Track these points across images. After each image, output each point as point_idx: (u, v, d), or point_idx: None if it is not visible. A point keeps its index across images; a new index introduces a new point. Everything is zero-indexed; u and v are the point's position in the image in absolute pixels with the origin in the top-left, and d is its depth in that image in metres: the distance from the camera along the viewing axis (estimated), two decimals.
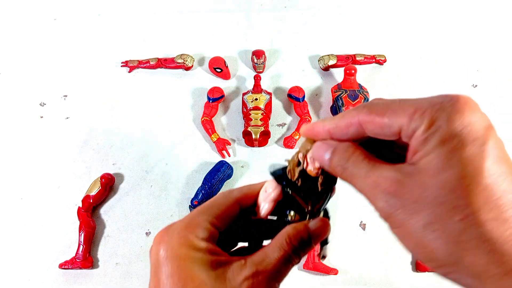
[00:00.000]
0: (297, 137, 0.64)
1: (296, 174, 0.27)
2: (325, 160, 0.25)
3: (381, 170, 0.22)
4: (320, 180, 0.26)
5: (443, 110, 0.20)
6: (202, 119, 0.66)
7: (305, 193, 0.27)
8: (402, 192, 0.21)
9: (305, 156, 0.26)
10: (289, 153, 0.64)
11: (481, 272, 0.19)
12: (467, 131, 0.20)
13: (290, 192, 0.27)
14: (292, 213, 0.27)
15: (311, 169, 0.26)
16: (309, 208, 0.27)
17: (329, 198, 0.28)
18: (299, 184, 0.27)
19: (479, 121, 0.20)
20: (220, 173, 0.59)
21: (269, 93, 0.67)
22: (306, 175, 0.27)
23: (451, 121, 0.20)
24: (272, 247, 0.26)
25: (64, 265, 0.55)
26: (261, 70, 0.71)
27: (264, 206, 0.28)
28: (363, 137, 0.25)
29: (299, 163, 0.27)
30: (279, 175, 0.28)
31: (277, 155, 0.65)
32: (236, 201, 0.28)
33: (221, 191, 0.27)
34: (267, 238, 0.28)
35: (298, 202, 0.27)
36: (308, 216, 0.27)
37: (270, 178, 0.28)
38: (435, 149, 0.20)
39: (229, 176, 0.61)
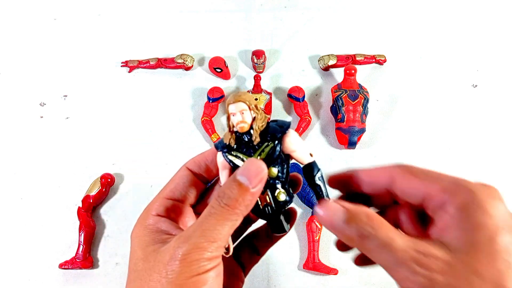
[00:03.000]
0: None
1: (229, 138, 0.28)
2: (336, 225, 0.24)
3: (417, 244, 0.22)
4: (254, 133, 0.27)
5: (476, 194, 0.22)
6: (202, 119, 0.66)
7: (245, 148, 0.28)
8: (441, 269, 0.21)
9: (228, 118, 0.28)
10: None
11: None
12: (499, 218, 0.22)
13: (227, 156, 0.28)
14: None
15: (239, 127, 0.27)
16: None
17: (279, 146, 0.27)
18: (233, 145, 0.28)
19: (508, 212, 0.22)
20: None
21: (269, 93, 0.67)
22: (240, 136, 0.28)
23: (485, 207, 0.22)
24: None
25: (64, 265, 0.55)
26: (261, 70, 0.71)
27: (221, 175, 0.29)
28: (382, 194, 0.26)
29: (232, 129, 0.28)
30: (218, 144, 0.29)
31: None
32: (185, 168, 0.30)
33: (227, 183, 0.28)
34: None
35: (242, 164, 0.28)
36: None
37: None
38: (471, 231, 0.22)
39: None
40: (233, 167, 0.28)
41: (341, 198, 0.30)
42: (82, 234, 0.56)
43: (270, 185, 0.27)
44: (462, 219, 0.22)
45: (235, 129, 0.28)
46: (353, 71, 0.66)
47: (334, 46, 0.75)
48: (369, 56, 0.71)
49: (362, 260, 0.30)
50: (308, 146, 0.28)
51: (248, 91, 0.67)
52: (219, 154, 0.28)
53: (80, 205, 0.58)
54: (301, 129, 0.65)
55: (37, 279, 0.56)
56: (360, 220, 0.23)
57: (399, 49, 0.74)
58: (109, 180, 0.60)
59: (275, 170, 0.27)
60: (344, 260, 0.57)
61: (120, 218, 0.60)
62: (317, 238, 0.56)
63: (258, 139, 0.27)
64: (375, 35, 0.76)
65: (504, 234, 0.21)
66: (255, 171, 0.25)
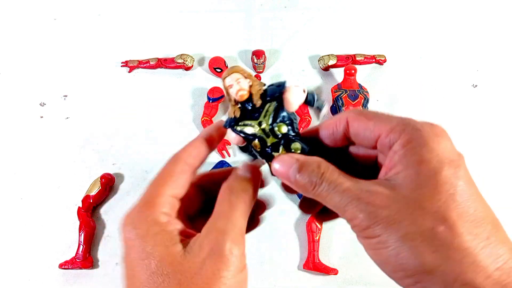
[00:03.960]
0: None
1: (233, 111, 0.28)
2: (290, 175, 0.26)
3: (362, 185, 0.23)
4: (254, 97, 0.28)
5: (422, 131, 0.23)
6: (202, 119, 0.66)
7: (250, 116, 0.28)
8: (384, 204, 0.22)
9: (227, 92, 0.28)
10: None
11: (454, 280, 0.20)
12: (443, 154, 0.22)
13: (236, 128, 0.28)
14: (255, 142, 0.28)
15: (238, 95, 0.28)
16: (263, 125, 0.28)
17: (281, 104, 0.28)
18: (238, 116, 0.28)
19: (452, 148, 0.23)
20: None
21: None
22: (243, 106, 0.28)
23: (430, 143, 0.22)
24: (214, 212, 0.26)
25: (64, 265, 0.55)
26: (261, 70, 0.71)
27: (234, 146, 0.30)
28: (342, 142, 0.27)
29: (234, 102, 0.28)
30: (225, 123, 0.29)
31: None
32: (184, 163, 0.29)
33: (235, 175, 0.28)
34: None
35: (252, 130, 0.28)
36: (268, 136, 0.28)
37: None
38: (414, 166, 0.22)
39: None
40: (245, 137, 0.28)
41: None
42: (82, 234, 0.56)
43: (284, 139, 0.28)
44: (406, 156, 0.23)
45: (236, 100, 0.29)
46: (353, 71, 0.66)
47: (334, 46, 0.74)
48: (369, 56, 0.71)
49: (306, 206, 0.31)
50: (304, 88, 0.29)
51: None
52: (229, 131, 0.29)
53: (80, 205, 0.58)
54: (301, 129, 0.65)
55: (37, 279, 0.56)
56: (311, 169, 0.25)
57: (399, 49, 0.74)
58: (109, 180, 0.60)
59: (284, 128, 0.28)
60: (344, 260, 0.57)
61: (120, 218, 0.60)
62: (317, 238, 0.56)
63: (259, 101, 0.28)
64: (375, 35, 0.76)
65: (447, 168, 0.22)
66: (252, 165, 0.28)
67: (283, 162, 0.26)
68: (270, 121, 0.28)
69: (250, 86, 0.28)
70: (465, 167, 0.23)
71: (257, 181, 0.28)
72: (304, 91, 0.29)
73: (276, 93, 0.28)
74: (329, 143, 0.28)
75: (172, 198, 0.27)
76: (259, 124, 0.28)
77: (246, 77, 0.28)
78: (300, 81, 0.67)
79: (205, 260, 0.23)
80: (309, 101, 0.30)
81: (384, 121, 0.24)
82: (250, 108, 0.28)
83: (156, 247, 0.24)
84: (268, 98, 0.28)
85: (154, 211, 0.26)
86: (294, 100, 0.28)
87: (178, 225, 0.26)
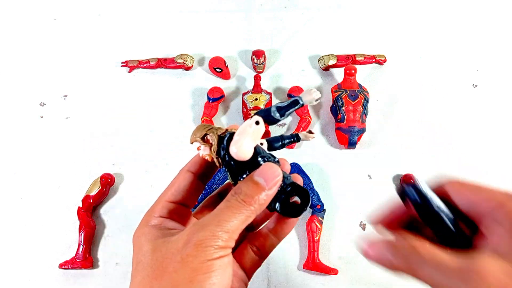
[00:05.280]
0: None
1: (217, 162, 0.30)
2: (387, 260, 0.26)
3: (472, 261, 0.23)
4: (214, 161, 0.29)
5: None
6: (202, 119, 0.66)
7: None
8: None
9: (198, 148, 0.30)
10: (289, 153, 0.64)
11: None
12: None
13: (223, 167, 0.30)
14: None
15: (207, 158, 0.29)
16: (232, 183, 0.30)
17: (233, 161, 0.28)
18: (220, 166, 0.30)
19: None
20: (220, 173, 0.59)
21: (269, 93, 0.67)
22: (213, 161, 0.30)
23: None
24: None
25: (64, 265, 0.55)
26: (261, 70, 0.71)
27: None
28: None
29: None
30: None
31: (276, 155, 0.65)
32: (186, 171, 0.32)
33: (238, 183, 0.29)
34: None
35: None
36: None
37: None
38: None
39: None
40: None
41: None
42: (82, 234, 0.56)
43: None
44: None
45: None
46: (353, 71, 0.66)
47: (334, 46, 0.75)
48: (369, 56, 0.71)
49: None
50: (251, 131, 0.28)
51: (248, 91, 0.67)
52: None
53: (80, 205, 0.59)
54: (301, 129, 0.65)
55: (37, 279, 0.56)
56: (405, 252, 0.25)
57: (399, 49, 0.74)
58: (109, 180, 0.60)
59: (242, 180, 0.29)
60: (344, 260, 0.57)
61: (120, 218, 0.60)
62: (317, 238, 0.56)
63: (218, 163, 0.29)
64: (375, 35, 0.76)
65: None
66: (271, 174, 0.27)
67: (374, 248, 0.27)
68: (233, 182, 0.29)
69: (211, 146, 0.29)
70: None
71: (271, 190, 0.27)
72: (257, 123, 0.28)
73: (222, 154, 0.28)
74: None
75: (168, 202, 0.31)
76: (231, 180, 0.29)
77: (205, 141, 0.29)
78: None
79: (180, 249, 0.25)
80: (270, 120, 0.30)
81: (483, 191, 0.25)
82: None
83: (146, 242, 0.28)
84: (222, 154, 0.29)
85: (150, 217, 0.30)
86: (236, 150, 0.27)
87: (169, 224, 0.30)
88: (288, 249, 0.58)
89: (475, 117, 0.67)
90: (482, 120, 0.67)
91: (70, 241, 0.58)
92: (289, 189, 0.29)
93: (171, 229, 0.29)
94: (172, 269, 0.25)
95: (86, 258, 0.56)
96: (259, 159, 0.28)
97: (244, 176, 0.28)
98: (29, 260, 0.57)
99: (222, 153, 0.28)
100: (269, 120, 0.30)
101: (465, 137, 0.66)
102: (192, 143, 0.30)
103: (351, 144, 0.63)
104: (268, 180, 0.27)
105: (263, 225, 0.35)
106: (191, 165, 0.32)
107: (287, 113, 0.30)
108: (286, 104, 0.30)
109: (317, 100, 0.32)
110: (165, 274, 0.25)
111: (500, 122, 0.67)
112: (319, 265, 0.55)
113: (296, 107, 0.30)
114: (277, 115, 0.30)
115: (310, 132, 0.35)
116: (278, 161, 0.30)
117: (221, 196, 0.33)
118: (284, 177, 0.29)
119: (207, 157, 0.29)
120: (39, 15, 0.79)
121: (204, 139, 0.29)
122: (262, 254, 0.34)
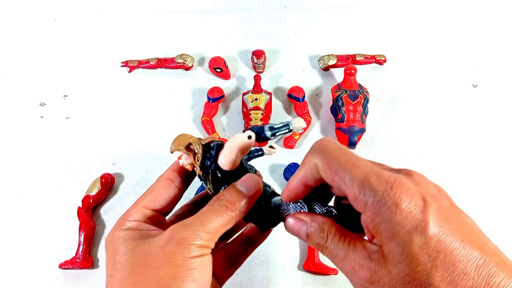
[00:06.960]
0: (297, 137, 0.65)
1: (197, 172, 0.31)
2: (302, 236, 0.29)
3: (356, 255, 0.25)
4: (195, 169, 0.30)
5: (383, 204, 0.23)
6: (202, 119, 0.66)
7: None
8: (374, 279, 0.24)
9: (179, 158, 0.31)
10: (289, 153, 0.64)
11: None
12: (408, 222, 0.22)
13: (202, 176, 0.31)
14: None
15: (188, 167, 0.31)
16: (210, 192, 0.31)
17: (216, 170, 0.30)
18: (201, 175, 0.31)
19: (414, 206, 0.23)
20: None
21: (269, 93, 0.67)
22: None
23: (393, 215, 0.23)
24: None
25: (64, 265, 0.55)
26: (261, 70, 0.71)
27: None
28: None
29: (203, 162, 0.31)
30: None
31: (276, 155, 0.65)
32: (165, 179, 0.32)
33: (221, 191, 0.30)
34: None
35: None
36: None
37: (267, 176, 0.33)
38: (389, 240, 0.23)
39: None
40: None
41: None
42: (82, 234, 0.56)
43: None
44: (378, 231, 0.23)
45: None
46: (353, 71, 0.66)
47: (334, 46, 0.75)
48: (369, 56, 0.71)
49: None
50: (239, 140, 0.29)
51: (248, 91, 0.67)
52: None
53: (80, 205, 0.58)
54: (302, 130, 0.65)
55: (37, 279, 0.56)
56: (316, 231, 0.28)
57: (399, 49, 0.74)
58: (109, 180, 0.60)
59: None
60: None
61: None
62: None
63: (200, 172, 0.30)
64: (375, 35, 0.76)
65: (416, 237, 0.22)
66: (253, 183, 0.30)
67: (294, 224, 0.29)
68: (212, 191, 0.30)
69: (194, 155, 0.30)
70: (433, 221, 0.22)
71: (252, 199, 0.30)
72: (249, 138, 0.29)
73: (207, 163, 0.30)
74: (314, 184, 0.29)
75: (144, 208, 0.31)
76: (209, 189, 0.31)
77: (188, 150, 0.30)
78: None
79: (163, 246, 0.26)
80: (262, 138, 0.31)
81: (346, 184, 0.24)
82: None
83: (124, 243, 0.28)
84: (206, 164, 0.30)
85: (124, 221, 0.31)
86: (226, 160, 0.29)
87: (145, 227, 0.30)
88: (288, 249, 0.58)
89: (475, 117, 0.67)
90: (482, 120, 0.67)
91: (70, 241, 0.58)
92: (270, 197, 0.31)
93: (149, 231, 0.30)
94: (156, 265, 0.26)
95: (86, 258, 0.56)
96: (242, 170, 0.30)
97: (227, 185, 0.30)
98: (29, 260, 0.57)
99: (208, 162, 0.29)
100: (261, 137, 0.31)
101: (465, 137, 0.66)
102: (172, 152, 0.30)
103: (351, 144, 0.63)
104: (250, 189, 0.29)
105: (236, 234, 0.36)
106: (170, 173, 0.33)
107: (278, 134, 0.31)
108: (278, 126, 0.31)
109: (302, 128, 0.34)
110: (148, 271, 0.26)
111: (500, 122, 0.67)
112: (319, 265, 0.55)
113: (286, 131, 0.32)
114: (269, 133, 0.31)
115: (271, 147, 0.37)
116: (257, 173, 0.33)
117: (197, 205, 0.34)
118: (264, 187, 0.31)
119: (187, 166, 0.30)
120: (39, 15, 0.79)
121: (188, 148, 0.30)
122: (235, 262, 0.35)
